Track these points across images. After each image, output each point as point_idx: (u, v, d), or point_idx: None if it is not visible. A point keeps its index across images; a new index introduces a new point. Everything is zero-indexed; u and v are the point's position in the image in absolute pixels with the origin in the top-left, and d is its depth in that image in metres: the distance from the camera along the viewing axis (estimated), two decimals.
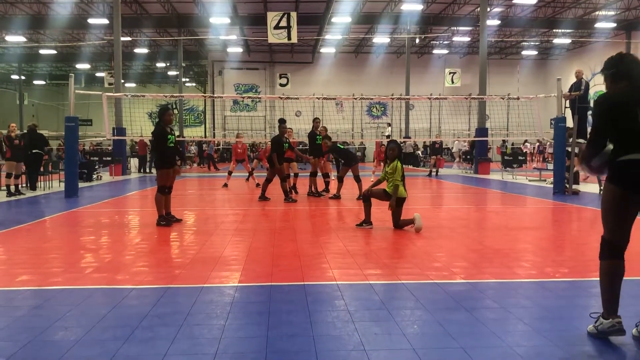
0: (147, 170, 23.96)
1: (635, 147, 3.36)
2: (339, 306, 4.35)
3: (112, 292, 4.86)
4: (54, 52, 37.73)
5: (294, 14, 21.13)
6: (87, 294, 4.77)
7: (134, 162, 25.60)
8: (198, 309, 4.27)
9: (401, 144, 26.69)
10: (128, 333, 3.70)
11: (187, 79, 47.72)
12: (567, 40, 36.29)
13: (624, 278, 3.79)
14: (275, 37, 20.72)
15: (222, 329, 3.80)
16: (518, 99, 15.55)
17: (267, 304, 4.39)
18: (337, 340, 3.61)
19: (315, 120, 13.89)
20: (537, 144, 31.84)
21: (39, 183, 15.14)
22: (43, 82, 48.93)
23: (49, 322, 3.99)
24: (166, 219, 8.75)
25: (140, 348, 3.45)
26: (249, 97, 38.38)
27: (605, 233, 3.68)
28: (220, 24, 30.42)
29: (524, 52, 41.13)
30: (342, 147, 13.27)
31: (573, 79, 14.54)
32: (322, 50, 39.28)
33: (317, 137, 13.49)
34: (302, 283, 5.06)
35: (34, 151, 14.45)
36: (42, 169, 15.42)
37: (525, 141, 34.55)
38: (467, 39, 36.20)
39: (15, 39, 33.16)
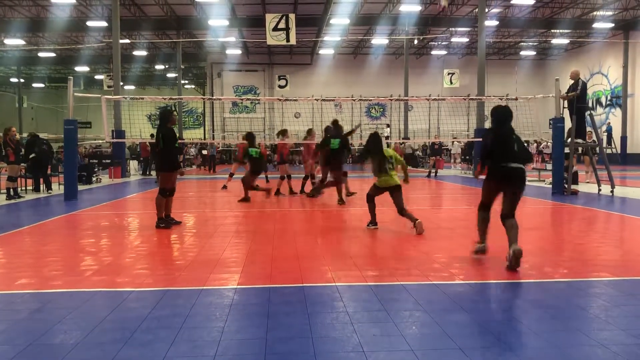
0: (149, 172, 23.93)
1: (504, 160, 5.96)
2: (337, 308, 4.36)
3: (111, 294, 4.86)
4: (53, 55, 37.74)
5: (292, 16, 21.16)
6: (87, 296, 4.77)
7: (133, 165, 25.60)
8: (197, 312, 4.28)
9: (401, 145, 26.38)
10: (127, 336, 3.71)
11: (186, 81, 47.75)
12: (565, 41, 36.32)
13: (626, 277, 4.84)
14: (273, 39, 20.75)
15: (221, 331, 3.81)
16: (516, 99, 15.54)
17: (266, 306, 4.40)
18: (336, 341, 3.62)
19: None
20: (536, 144, 31.86)
21: (42, 186, 15.16)
22: (42, 85, 48.93)
23: (48, 325, 3.99)
24: (165, 222, 8.74)
25: (139, 351, 3.46)
26: (248, 99, 38.40)
27: (482, 199, 6.49)
28: (218, 26, 30.44)
29: (522, 53, 41.17)
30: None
31: (570, 80, 14.55)
32: (321, 51, 39.31)
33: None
34: (301, 285, 5.07)
35: (31, 156, 14.61)
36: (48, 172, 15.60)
37: (527, 142, 34.60)
38: (465, 39, 36.23)
39: (14, 42, 33.17)
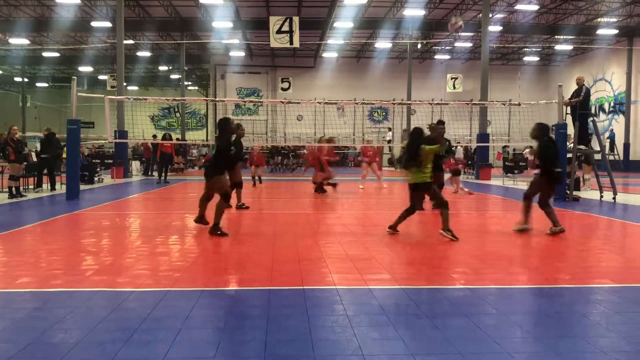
0: (150, 173, 23.93)
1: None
2: (338, 311, 4.36)
3: (111, 294, 4.87)
4: (57, 54, 37.82)
5: (296, 19, 21.19)
6: (87, 296, 4.78)
7: (135, 165, 25.60)
8: (197, 313, 4.28)
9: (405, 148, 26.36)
10: (127, 336, 3.71)
11: (190, 83, 47.80)
12: (569, 47, 36.30)
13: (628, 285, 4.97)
14: (277, 41, 20.78)
15: (221, 332, 3.81)
16: (519, 104, 15.53)
17: (266, 308, 4.40)
18: (336, 345, 3.62)
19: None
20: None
21: (46, 185, 15.23)
22: (46, 85, 49.03)
23: (49, 324, 4.00)
24: (220, 229, 8.10)
25: (139, 351, 3.46)
26: (251, 101, 38.41)
27: (531, 192, 8.27)
28: (222, 28, 30.48)
29: (526, 58, 41.16)
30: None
31: (575, 86, 14.53)
32: (324, 54, 39.33)
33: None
34: (302, 287, 5.06)
35: (42, 156, 14.80)
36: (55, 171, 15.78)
37: (531, 147, 34.57)
38: (469, 44, 36.24)
39: (19, 41, 33.26)
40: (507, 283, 5.39)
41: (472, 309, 4.47)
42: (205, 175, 8.51)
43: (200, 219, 8.66)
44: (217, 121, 8.62)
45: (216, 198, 8.30)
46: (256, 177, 17.80)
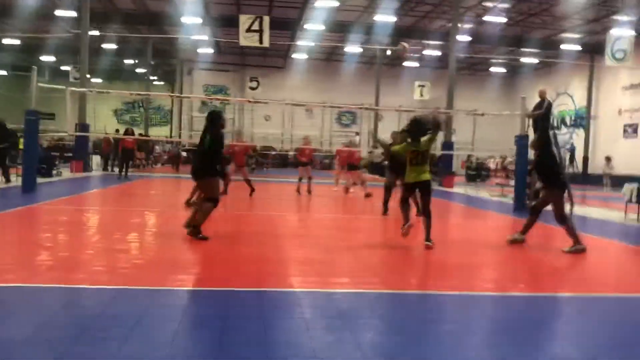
0: (111, 169, 23.39)
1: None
2: (295, 314, 4.34)
3: (65, 291, 4.74)
4: (17, 42, 36.74)
5: (266, 18, 21.06)
6: (40, 292, 4.64)
7: (95, 160, 25.02)
8: (152, 312, 4.20)
9: (370, 152, 26.30)
10: (79, 333, 3.61)
11: (156, 78, 47.05)
12: (535, 60, 37.16)
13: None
14: (246, 40, 20.62)
15: (175, 332, 3.74)
16: (483, 115, 15.81)
17: (223, 309, 4.35)
18: (292, 347, 3.60)
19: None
20: (501, 159, 32.49)
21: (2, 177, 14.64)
22: (5, 73, 47.59)
23: None
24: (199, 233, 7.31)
25: (91, 348, 3.37)
26: (217, 99, 38.03)
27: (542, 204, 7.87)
28: (191, 24, 30.12)
29: (492, 69, 41.97)
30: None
31: (538, 98, 14.86)
32: (294, 55, 39.29)
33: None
34: (260, 289, 5.02)
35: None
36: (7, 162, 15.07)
37: (492, 157, 35.24)
38: (437, 53, 36.73)
39: None
40: (464, 289, 5.45)
41: (427, 315, 4.52)
42: (193, 175, 7.71)
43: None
44: (208, 113, 7.80)
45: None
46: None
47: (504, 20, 28.97)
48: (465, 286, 5.58)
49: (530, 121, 14.62)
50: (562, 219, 7.69)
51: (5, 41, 36.32)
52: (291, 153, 38.57)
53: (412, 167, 7.35)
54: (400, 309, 4.70)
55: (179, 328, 3.83)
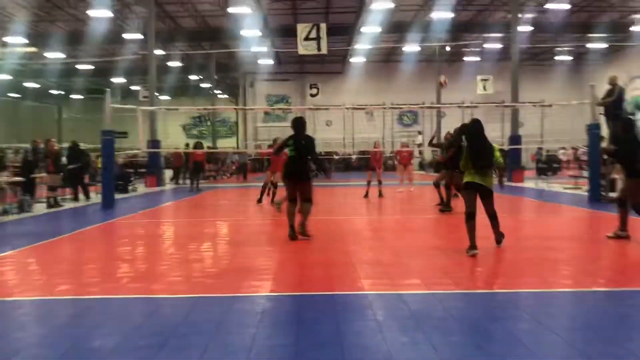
0: (183, 182, 24.21)
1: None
2: (367, 316, 4.38)
3: (146, 301, 4.99)
4: (91, 67, 38.74)
5: (323, 25, 21.26)
6: (123, 303, 4.91)
7: (168, 174, 25.98)
8: (229, 318, 4.35)
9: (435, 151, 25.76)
10: (162, 341, 3.80)
11: (220, 91, 48.34)
12: (603, 45, 35.53)
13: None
14: (305, 48, 20.88)
15: (253, 337, 3.87)
16: (551, 106, 15.28)
17: (296, 314, 4.45)
18: (366, 350, 3.64)
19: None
20: (572, 150, 31.22)
21: (80, 194, 15.49)
22: (81, 97, 50.22)
23: (87, 330, 4.13)
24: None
25: (173, 356, 3.54)
26: (280, 109, 38.65)
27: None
28: (251, 37, 30.80)
29: (558, 58, 40.43)
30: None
31: (608, 85, 14.22)
32: (352, 60, 39.33)
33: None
34: (332, 293, 5.10)
35: (69, 167, 15.00)
36: (85, 181, 16.03)
37: (563, 148, 33.95)
38: (499, 45, 35.80)
39: (55, 55, 34.19)
40: (541, 287, 5.31)
41: (505, 314, 4.44)
42: (296, 176, 8.11)
43: (295, 231, 8.10)
44: (294, 119, 8.32)
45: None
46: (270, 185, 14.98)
47: (567, 6, 27.88)
48: (541, 283, 5.43)
49: (602, 109, 14.01)
50: (638, 208, 7.48)
51: (80, 67, 38.38)
52: (354, 157, 38.64)
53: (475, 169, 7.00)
54: (475, 309, 4.64)
55: (256, 333, 3.96)
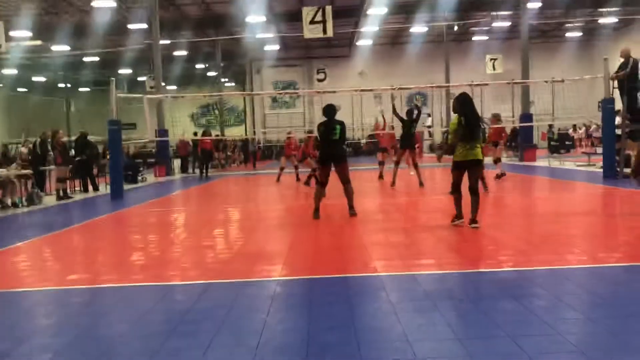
0: (192, 170, 24.15)
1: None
2: (381, 298, 4.27)
3: (156, 288, 4.92)
4: (96, 59, 38.73)
5: (329, 8, 21.00)
6: (133, 290, 4.85)
7: (177, 163, 25.95)
8: (240, 303, 4.27)
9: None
10: (171, 327, 3.72)
11: (226, 79, 48.18)
12: (614, 19, 34.89)
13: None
14: (310, 32, 20.64)
15: (264, 321, 3.78)
16: (562, 81, 15.00)
17: (308, 297, 4.36)
18: (380, 331, 3.54)
19: None
20: (585, 128, 30.82)
21: (89, 186, 15.48)
22: (88, 89, 50.32)
23: (96, 318, 4.07)
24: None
25: (183, 341, 3.46)
26: (286, 93, 38.47)
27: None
28: (256, 23, 30.57)
29: (568, 35, 39.80)
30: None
31: (620, 60, 13.91)
32: (359, 43, 39.00)
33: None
34: (344, 275, 5.00)
35: (77, 158, 14.98)
36: (95, 173, 16.02)
37: (574, 126, 33.51)
38: (507, 23, 35.28)
39: (60, 48, 34.18)
40: (558, 264, 5.17)
41: (521, 292, 4.31)
42: (332, 159, 8.43)
43: (319, 213, 8.39)
44: (325, 106, 8.63)
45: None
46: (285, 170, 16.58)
47: None
48: (559, 260, 5.29)
49: (615, 83, 13.72)
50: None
51: (86, 59, 38.38)
52: (363, 141, 38.43)
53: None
54: (492, 288, 4.52)
55: (267, 318, 3.87)
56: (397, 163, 13.39)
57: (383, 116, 16.75)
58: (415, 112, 13.84)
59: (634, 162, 8.01)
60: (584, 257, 5.45)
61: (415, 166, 13.04)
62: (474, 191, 7.00)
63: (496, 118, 14.95)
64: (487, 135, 14.00)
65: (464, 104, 7.10)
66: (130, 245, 7.19)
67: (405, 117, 13.22)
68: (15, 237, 7.87)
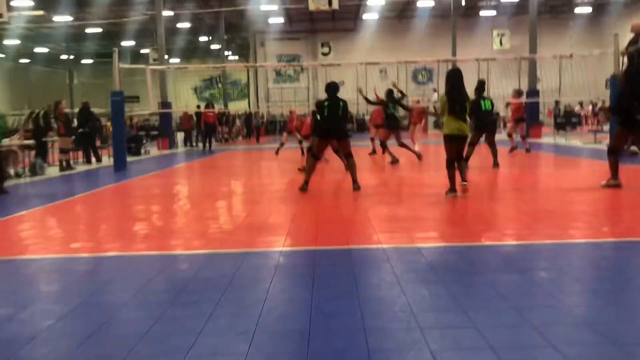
0: (196, 144, 24.01)
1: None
2: (385, 269, 4.25)
3: (159, 257, 4.90)
4: (99, 30, 38.39)
5: None
6: (136, 259, 4.84)
7: (180, 136, 25.85)
8: (243, 273, 4.24)
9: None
10: (174, 296, 3.71)
11: (230, 52, 47.79)
12: None
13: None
14: (315, 3, 20.40)
15: (267, 291, 3.76)
16: (571, 56, 14.80)
17: (312, 268, 4.33)
18: (383, 302, 3.51)
19: None
20: (592, 105, 30.51)
21: (92, 157, 15.42)
22: (91, 61, 49.98)
23: (98, 286, 4.05)
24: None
25: (185, 310, 3.45)
26: (290, 65, 38.14)
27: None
28: None
29: (577, 10, 39.20)
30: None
31: (630, 35, 13.68)
32: (365, 16, 38.52)
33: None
34: (347, 247, 4.97)
35: (80, 130, 14.92)
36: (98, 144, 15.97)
37: (581, 103, 33.19)
38: None
39: (62, 18, 33.85)
40: (562, 238, 5.14)
41: (525, 265, 4.29)
42: (336, 135, 8.65)
43: (308, 185, 8.40)
44: (330, 83, 8.68)
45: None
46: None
47: None
48: (563, 234, 5.25)
49: (625, 59, 13.51)
50: (611, 152, 7.95)
51: (88, 30, 38.05)
52: (367, 117, 38.21)
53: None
54: (496, 261, 4.49)
55: (270, 288, 3.85)
56: (383, 144, 13.10)
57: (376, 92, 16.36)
58: (399, 95, 13.56)
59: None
60: (589, 231, 5.41)
61: (402, 145, 12.86)
62: (460, 158, 7.45)
63: (519, 94, 14.97)
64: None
65: (447, 78, 7.41)
66: (133, 216, 7.17)
67: (385, 98, 13.00)
68: (18, 206, 7.86)
